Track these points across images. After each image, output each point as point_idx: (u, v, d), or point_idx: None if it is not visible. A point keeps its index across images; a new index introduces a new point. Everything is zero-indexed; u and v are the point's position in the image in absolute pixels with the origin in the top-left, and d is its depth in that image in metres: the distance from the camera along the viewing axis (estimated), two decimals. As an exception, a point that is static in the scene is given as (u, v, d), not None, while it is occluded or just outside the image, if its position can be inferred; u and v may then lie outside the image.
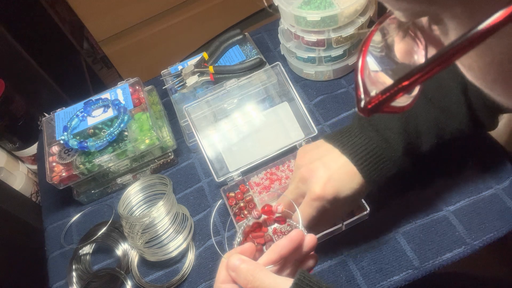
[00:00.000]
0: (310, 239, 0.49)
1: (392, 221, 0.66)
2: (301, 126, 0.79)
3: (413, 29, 0.28)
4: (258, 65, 0.84)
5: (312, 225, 0.57)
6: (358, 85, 0.26)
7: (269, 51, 0.96)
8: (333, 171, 0.55)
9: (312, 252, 0.51)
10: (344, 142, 0.57)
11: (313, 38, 0.79)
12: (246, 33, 0.93)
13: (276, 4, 0.78)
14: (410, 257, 0.62)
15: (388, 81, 0.29)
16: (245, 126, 0.82)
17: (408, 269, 0.61)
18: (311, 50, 0.82)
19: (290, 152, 0.75)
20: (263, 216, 0.62)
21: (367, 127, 0.57)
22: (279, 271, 0.48)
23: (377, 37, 0.31)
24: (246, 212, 0.71)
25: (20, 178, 1.06)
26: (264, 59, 0.85)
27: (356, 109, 0.26)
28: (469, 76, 0.25)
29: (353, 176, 0.55)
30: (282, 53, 0.91)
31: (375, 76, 0.29)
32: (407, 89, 0.23)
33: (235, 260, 0.46)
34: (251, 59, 0.85)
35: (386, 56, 0.31)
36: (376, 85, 0.26)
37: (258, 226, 0.63)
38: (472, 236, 0.62)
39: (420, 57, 0.28)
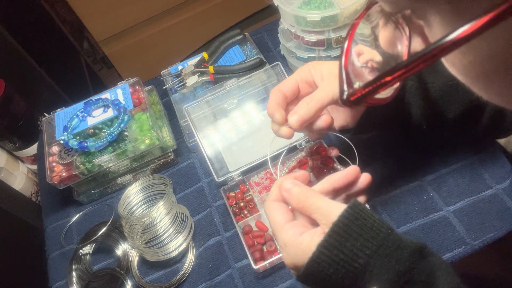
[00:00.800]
0: (365, 178, 0.49)
1: (392, 221, 0.66)
2: (301, 126, 0.79)
3: (399, 19, 0.28)
4: (258, 65, 0.84)
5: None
6: (341, 76, 0.26)
7: (269, 51, 0.96)
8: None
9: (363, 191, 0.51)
10: None
11: (313, 38, 0.79)
12: (246, 33, 0.93)
13: (276, 4, 0.78)
14: (410, 257, 0.62)
15: (374, 59, 0.29)
16: (245, 126, 0.82)
17: (408, 269, 0.61)
18: (311, 50, 0.82)
19: (290, 152, 0.75)
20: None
21: None
22: None
23: (366, 31, 0.31)
24: (246, 212, 0.71)
25: (20, 178, 1.06)
26: (264, 59, 0.85)
27: (339, 100, 0.26)
28: (452, 71, 0.25)
29: None
30: (282, 53, 0.91)
31: (360, 69, 0.29)
32: (390, 84, 0.23)
33: (288, 183, 0.47)
34: (251, 59, 0.85)
35: (376, 50, 0.31)
36: (360, 77, 0.26)
37: (305, 163, 0.64)
38: (472, 236, 0.62)
39: (403, 48, 0.29)
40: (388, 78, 0.23)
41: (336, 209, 0.43)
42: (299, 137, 0.76)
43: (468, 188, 0.66)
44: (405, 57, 0.28)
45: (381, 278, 0.40)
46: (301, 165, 0.64)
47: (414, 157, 0.71)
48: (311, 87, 0.56)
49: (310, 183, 0.49)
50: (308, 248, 0.42)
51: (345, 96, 0.25)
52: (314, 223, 0.46)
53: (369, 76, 0.24)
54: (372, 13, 0.30)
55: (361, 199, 0.51)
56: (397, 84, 0.29)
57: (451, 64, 0.24)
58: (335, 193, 0.48)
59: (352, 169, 0.48)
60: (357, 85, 0.25)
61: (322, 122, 0.54)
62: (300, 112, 0.52)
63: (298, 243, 0.43)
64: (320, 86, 0.54)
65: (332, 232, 0.41)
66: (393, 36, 0.29)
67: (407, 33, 0.28)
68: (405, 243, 0.41)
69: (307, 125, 0.54)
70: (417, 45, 0.28)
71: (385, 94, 0.28)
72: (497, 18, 0.17)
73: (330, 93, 0.51)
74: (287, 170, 0.63)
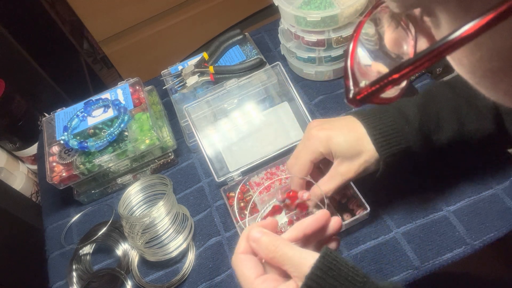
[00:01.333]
0: (335, 222, 0.48)
1: (392, 221, 0.66)
2: (301, 126, 0.79)
3: (405, 20, 0.28)
4: (258, 65, 0.84)
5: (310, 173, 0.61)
6: (347, 74, 0.26)
7: (269, 51, 0.96)
8: (336, 122, 0.59)
9: (334, 236, 0.50)
10: (358, 112, 0.59)
11: (313, 38, 0.79)
12: (246, 33, 0.93)
13: (276, 4, 0.78)
14: (410, 257, 0.62)
15: (380, 71, 0.29)
16: (245, 126, 0.82)
17: (408, 269, 0.61)
18: (311, 50, 0.82)
19: (290, 152, 0.75)
20: (286, 201, 0.62)
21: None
22: None
23: (370, 30, 0.31)
24: (246, 212, 0.71)
25: (20, 178, 1.06)
26: (264, 59, 0.85)
27: (345, 99, 0.26)
28: (459, 70, 0.25)
29: (355, 129, 0.57)
30: (282, 53, 0.91)
31: (366, 68, 0.29)
32: (397, 82, 0.23)
33: (256, 232, 0.45)
34: (251, 59, 0.85)
35: (380, 51, 0.31)
36: (366, 76, 0.26)
37: (278, 210, 0.63)
38: (472, 236, 0.62)
39: (409, 48, 0.29)
40: (396, 76, 0.23)
41: (308, 259, 0.41)
42: (298, 138, 0.76)
43: (468, 188, 0.66)
44: (411, 56, 0.28)
45: None
46: (274, 211, 0.65)
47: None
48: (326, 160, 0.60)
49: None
50: None
51: (351, 95, 0.25)
52: (286, 275, 0.43)
53: (375, 75, 0.24)
54: (378, 12, 0.30)
55: (333, 245, 0.49)
56: (404, 84, 0.29)
57: (458, 63, 0.24)
58: (305, 240, 0.46)
59: (321, 214, 0.46)
60: (363, 83, 0.25)
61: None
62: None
63: None
64: (331, 171, 0.59)
65: (306, 287, 0.39)
66: (399, 37, 0.29)
67: (413, 33, 0.28)
68: None
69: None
70: (423, 45, 0.28)
71: (391, 93, 0.28)
72: (503, 14, 0.17)
73: (335, 186, 0.58)
74: (260, 219, 0.62)
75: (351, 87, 0.25)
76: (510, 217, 0.62)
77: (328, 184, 0.59)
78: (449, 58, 0.25)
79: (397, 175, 0.58)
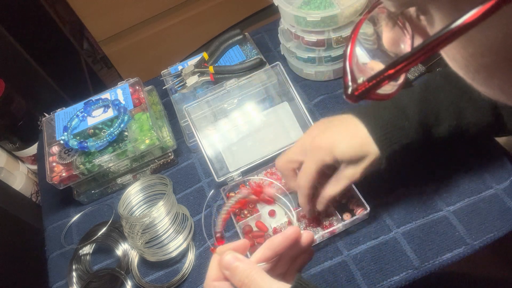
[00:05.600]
0: (306, 236, 0.48)
1: (392, 221, 0.66)
2: (301, 126, 0.79)
3: (401, 19, 0.29)
4: (258, 65, 0.84)
5: (315, 185, 0.61)
6: (346, 72, 0.26)
7: (269, 51, 0.96)
8: (337, 126, 0.59)
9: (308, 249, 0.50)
10: (358, 110, 0.60)
11: (313, 38, 0.79)
12: (246, 33, 0.93)
13: (276, 4, 0.78)
14: (410, 257, 0.62)
15: (376, 69, 0.30)
16: (245, 126, 0.82)
17: (408, 269, 0.61)
18: (311, 50, 0.82)
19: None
20: (251, 196, 0.62)
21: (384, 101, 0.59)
22: (273, 268, 0.48)
23: (369, 30, 0.31)
24: (246, 212, 0.71)
25: (20, 178, 1.06)
26: (264, 59, 0.85)
27: (344, 96, 0.26)
28: (453, 66, 0.25)
29: (358, 133, 0.57)
30: (282, 53, 0.91)
31: (364, 66, 0.29)
32: (393, 77, 0.23)
33: (228, 258, 0.45)
34: (251, 59, 0.85)
35: (379, 50, 0.31)
36: (364, 73, 0.26)
37: (243, 204, 0.63)
38: (472, 236, 0.62)
39: (406, 47, 0.29)
40: (392, 71, 0.23)
41: None
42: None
43: (468, 188, 0.66)
44: None
45: None
46: (242, 204, 0.64)
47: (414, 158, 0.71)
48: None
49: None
50: None
51: (349, 91, 0.26)
52: None
53: (372, 72, 0.25)
54: (375, 13, 0.30)
55: (306, 258, 0.51)
56: (401, 80, 0.29)
57: (452, 59, 0.25)
58: (277, 258, 0.47)
59: (291, 231, 0.46)
60: (361, 80, 0.25)
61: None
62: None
63: None
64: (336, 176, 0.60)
65: None
66: (396, 36, 0.30)
67: (410, 32, 0.28)
68: None
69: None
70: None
71: (388, 90, 0.28)
72: (493, 8, 0.18)
73: (341, 188, 0.59)
74: (225, 214, 0.60)
75: (350, 84, 0.26)
76: (510, 217, 0.62)
77: (334, 187, 0.60)
78: (444, 55, 0.26)
79: (399, 170, 0.59)
